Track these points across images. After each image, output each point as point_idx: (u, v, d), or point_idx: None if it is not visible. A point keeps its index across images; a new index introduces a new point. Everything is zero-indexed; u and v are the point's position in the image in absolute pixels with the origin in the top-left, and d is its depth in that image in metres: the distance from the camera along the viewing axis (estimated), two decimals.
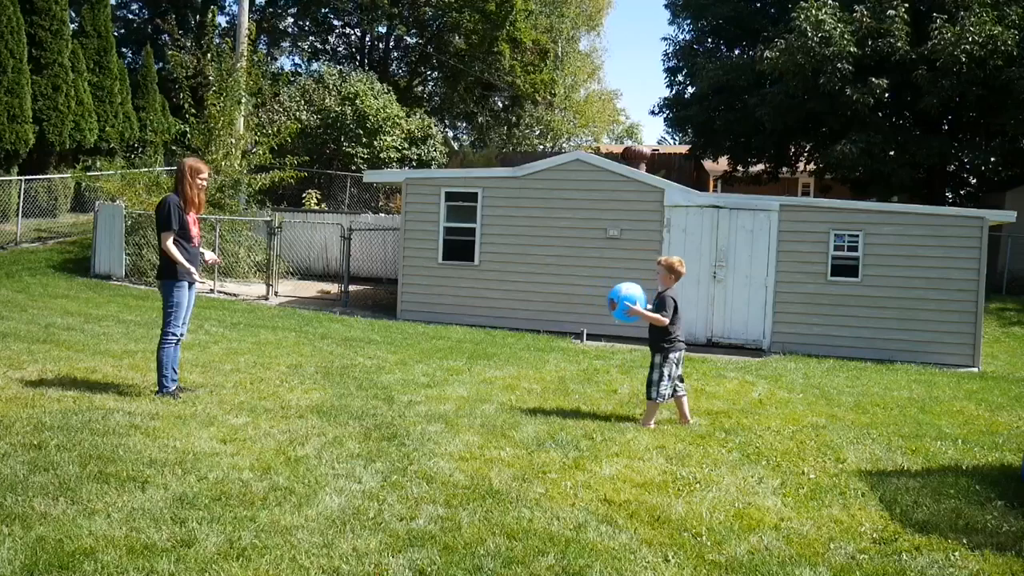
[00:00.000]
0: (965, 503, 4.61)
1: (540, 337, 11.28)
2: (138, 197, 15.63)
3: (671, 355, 6.22)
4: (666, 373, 6.18)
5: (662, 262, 6.38)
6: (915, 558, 3.79)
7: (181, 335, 6.23)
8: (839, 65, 17.85)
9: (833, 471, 5.17)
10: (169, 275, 6.13)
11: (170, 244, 6.04)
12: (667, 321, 6.16)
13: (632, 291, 6.23)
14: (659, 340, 6.24)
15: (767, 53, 18.86)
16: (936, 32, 17.42)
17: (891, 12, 17.94)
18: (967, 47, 16.82)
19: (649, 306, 6.29)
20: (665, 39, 26.52)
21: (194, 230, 6.23)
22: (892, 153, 19.12)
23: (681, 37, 26.43)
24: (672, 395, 6.27)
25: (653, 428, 6.06)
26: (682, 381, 6.38)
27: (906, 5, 18.05)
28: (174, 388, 6.18)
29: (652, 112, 52.88)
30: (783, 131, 20.86)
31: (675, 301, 6.25)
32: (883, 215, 11.50)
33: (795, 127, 20.60)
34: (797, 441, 5.91)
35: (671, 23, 26.63)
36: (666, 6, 26.43)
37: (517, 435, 5.56)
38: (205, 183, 6.29)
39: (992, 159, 18.50)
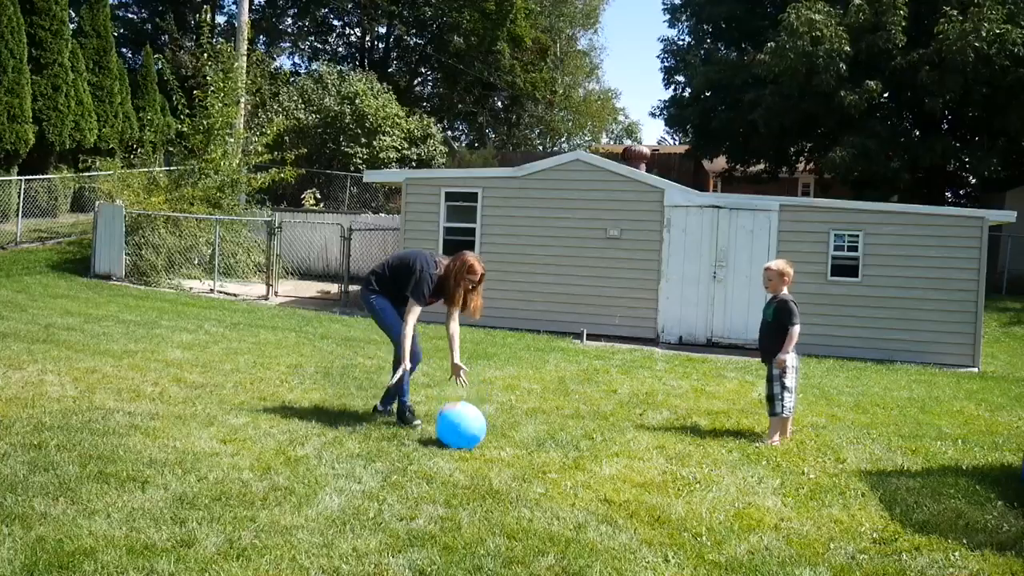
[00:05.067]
0: (965, 503, 4.61)
1: (540, 337, 11.28)
2: (136, 197, 15.64)
3: (788, 364, 5.79)
4: (787, 384, 5.76)
5: (772, 268, 5.99)
6: (915, 558, 3.79)
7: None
8: (832, 65, 17.81)
9: (833, 471, 5.17)
10: (373, 291, 5.79)
11: (412, 321, 5.50)
12: (796, 332, 5.74)
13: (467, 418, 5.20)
14: (776, 349, 5.81)
15: (760, 56, 18.88)
16: (944, 23, 17.38)
17: (887, 3, 17.94)
18: (976, 43, 16.78)
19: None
20: (661, 40, 26.59)
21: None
22: (891, 154, 19.10)
23: (679, 39, 26.49)
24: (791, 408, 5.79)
25: (778, 443, 5.71)
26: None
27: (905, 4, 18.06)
28: (411, 416, 5.70)
29: (652, 114, 53.03)
30: (780, 132, 20.87)
31: (796, 305, 5.85)
32: (883, 215, 11.50)
33: (792, 128, 20.61)
34: (797, 441, 5.91)
35: (670, 26, 26.69)
36: (664, 10, 26.48)
37: (517, 435, 5.55)
38: (472, 285, 5.66)
39: (994, 161, 18.47)
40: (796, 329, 5.80)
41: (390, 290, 5.77)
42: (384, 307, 5.79)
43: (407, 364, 5.55)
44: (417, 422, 5.64)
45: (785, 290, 6.00)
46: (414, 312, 5.55)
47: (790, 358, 5.83)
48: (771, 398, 5.85)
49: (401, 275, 5.70)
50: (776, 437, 5.78)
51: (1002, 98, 17.75)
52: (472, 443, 5.15)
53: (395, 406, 5.86)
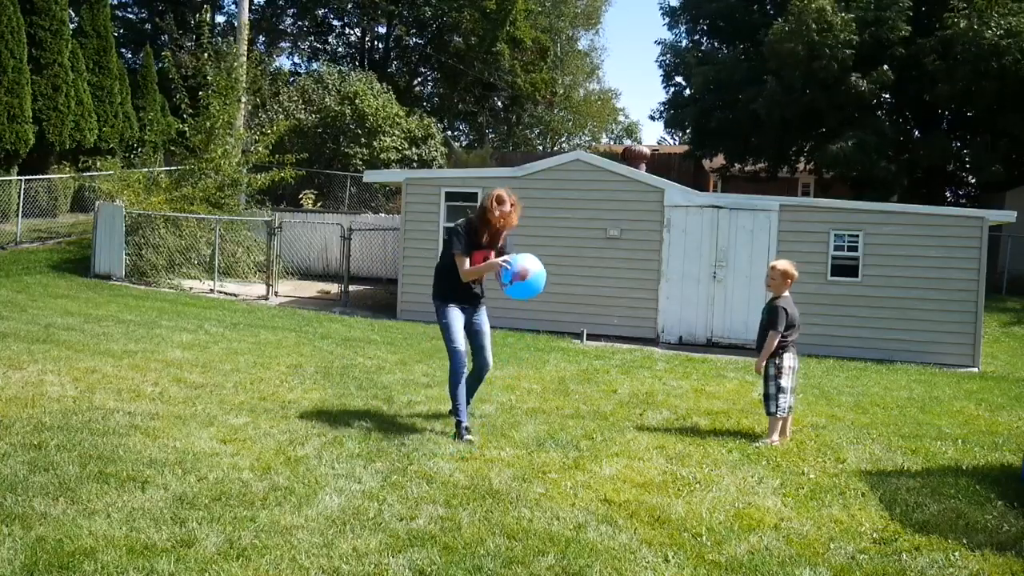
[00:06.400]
0: (965, 503, 4.61)
1: (540, 337, 11.28)
2: (137, 197, 15.64)
3: (784, 364, 5.77)
4: (783, 385, 5.74)
5: (777, 267, 5.91)
6: (915, 558, 3.79)
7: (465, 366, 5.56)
8: (839, 53, 17.80)
9: (833, 471, 5.17)
10: (437, 295, 5.67)
11: (465, 266, 5.47)
12: (776, 336, 5.74)
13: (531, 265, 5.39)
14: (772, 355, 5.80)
15: (768, 36, 18.90)
16: (952, 20, 17.37)
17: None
18: (987, 34, 16.74)
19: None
20: (659, 43, 26.69)
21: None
22: (891, 153, 19.10)
23: (678, 40, 26.55)
24: (789, 408, 5.81)
25: (778, 442, 5.71)
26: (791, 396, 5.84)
27: None
28: (466, 425, 5.47)
29: (651, 117, 53.18)
30: (781, 127, 20.83)
31: (787, 311, 5.79)
32: (883, 215, 11.50)
33: (793, 122, 20.59)
34: (797, 441, 5.90)
35: (670, 29, 26.75)
36: (663, 13, 26.54)
37: (517, 435, 5.55)
38: (502, 216, 5.49)
39: (997, 166, 18.44)
40: (773, 335, 5.78)
41: (443, 280, 5.63)
42: (439, 312, 5.63)
43: (499, 263, 5.39)
44: (470, 438, 5.34)
45: (787, 293, 5.98)
46: (462, 263, 5.49)
47: (788, 358, 5.83)
48: (766, 397, 5.86)
49: (445, 250, 5.68)
50: (775, 436, 5.78)
51: (1009, 96, 17.68)
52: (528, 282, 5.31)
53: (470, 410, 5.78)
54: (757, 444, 5.68)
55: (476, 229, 5.56)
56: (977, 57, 16.93)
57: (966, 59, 17.10)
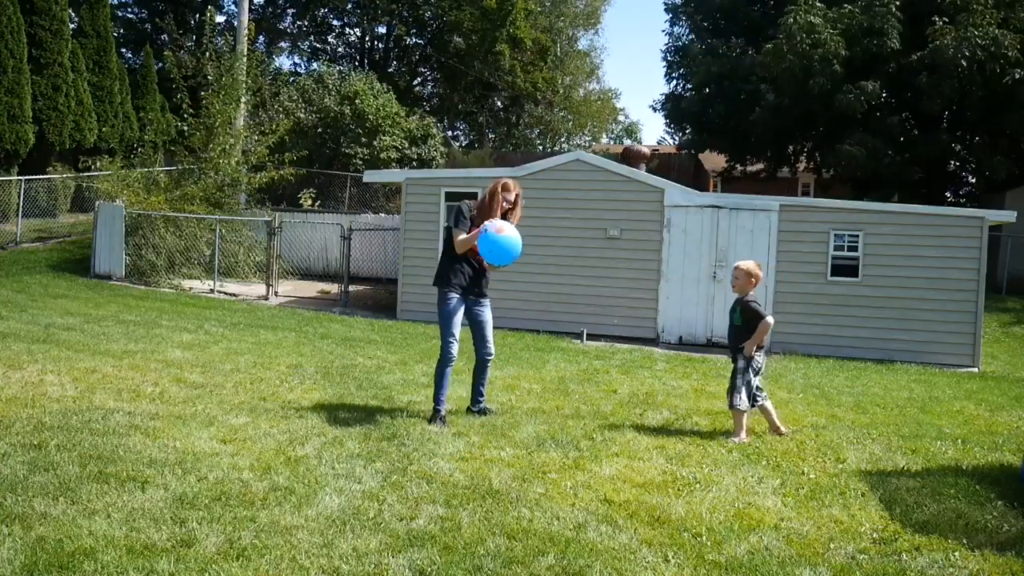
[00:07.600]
0: (965, 503, 4.61)
1: (540, 337, 11.28)
2: (136, 197, 15.64)
3: (754, 362, 5.87)
4: (750, 380, 5.85)
5: (741, 267, 5.99)
6: (915, 558, 3.79)
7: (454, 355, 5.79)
8: (828, 67, 17.87)
9: (833, 471, 5.16)
10: (438, 281, 5.81)
11: (460, 238, 5.68)
12: (771, 322, 5.83)
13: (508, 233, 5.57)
14: (742, 346, 5.91)
15: (760, 58, 18.98)
16: (936, 35, 17.43)
17: (881, 8, 17.99)
18: (967, 51, 16.82)
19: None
20: (667, 34, 26.83)
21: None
22: (891, 153, 19.13)
23: (684, 36, 26.64)
24: (754, 404, 5.89)
25: (746, 440, 5.74)
26: (760, 390, 5.96)
27: (898, 2, 18.09)
28: (443, 413, 5.77)
29: (653, 108, 53.19)
30: (780, 130, 20.89)
31: (760, 304, 5.93)
32: (883, 215, 11.50)
33: (791, 125, 20.63)
34: (797, 441, 5.90)
35: (672, 26, 26.84)
36: (666, 9, 26.61)
37: (517, 435, 5.55)
38: (509, 205, 5.76)
39: (998, 160, 18.46)
40: (766, 324, 5.83)
41: (446, 264, 5.81)
42: (441, 300, 5.81)
43: (483, 227, 5.55)
44: (443, 427, 5.58)
45: (752, 292, 6.05)
46: (457, 235, 5.71)
47: (759, 356, 5.90)
48: (731, 390, 5.93)
49: (447, 236, 5.85)
50: (743, 434, 5.78)
51: (1000, 100, 17.75)
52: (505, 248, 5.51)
53: (485, 401, 6.14)
54: (732, 440, 5.70)
55: (479, 211, 5.75)
56: (961, 70, 16.97)
57: (951, 74, 17.15)
